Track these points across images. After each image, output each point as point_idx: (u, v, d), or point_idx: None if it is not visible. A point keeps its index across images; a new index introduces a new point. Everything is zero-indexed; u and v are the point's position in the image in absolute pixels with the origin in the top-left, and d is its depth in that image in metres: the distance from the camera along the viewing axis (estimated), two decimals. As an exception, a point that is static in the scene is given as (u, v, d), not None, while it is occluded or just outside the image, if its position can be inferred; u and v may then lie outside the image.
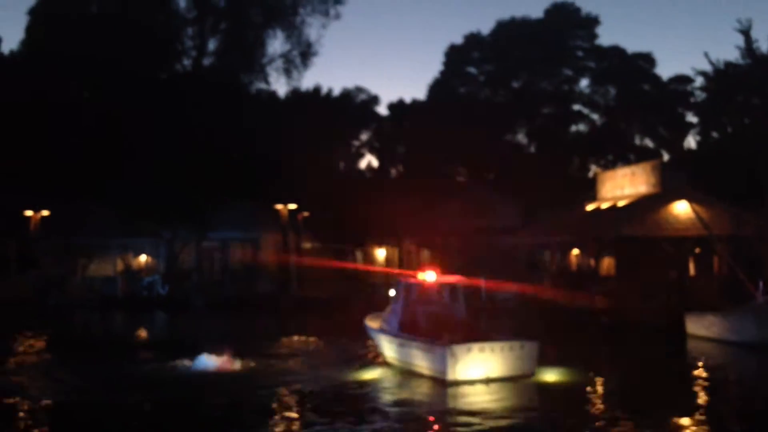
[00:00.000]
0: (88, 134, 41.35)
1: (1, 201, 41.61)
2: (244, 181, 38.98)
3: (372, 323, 20.50)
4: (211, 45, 48.86)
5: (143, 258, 44.56)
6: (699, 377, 18.46)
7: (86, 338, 27.79)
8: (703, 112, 57.12)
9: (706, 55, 64.13)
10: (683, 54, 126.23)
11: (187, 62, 49.23)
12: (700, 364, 20.13)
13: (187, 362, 18.86)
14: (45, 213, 43.01)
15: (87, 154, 40.85)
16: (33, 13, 48.79)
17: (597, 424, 13.37)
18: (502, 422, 13.32)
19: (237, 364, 18.92)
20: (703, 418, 13.76)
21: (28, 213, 42.78)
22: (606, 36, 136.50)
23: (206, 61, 49.17)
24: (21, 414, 14.30)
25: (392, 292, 20.60)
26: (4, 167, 41.67)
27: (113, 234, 43.52)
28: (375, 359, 19.63)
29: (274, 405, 14.99)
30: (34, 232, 43.07)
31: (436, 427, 13.33)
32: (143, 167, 37.53)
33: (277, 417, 13.92)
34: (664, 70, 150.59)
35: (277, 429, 13.06)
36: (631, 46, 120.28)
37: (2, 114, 42.53)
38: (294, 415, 14.06)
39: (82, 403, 15.19)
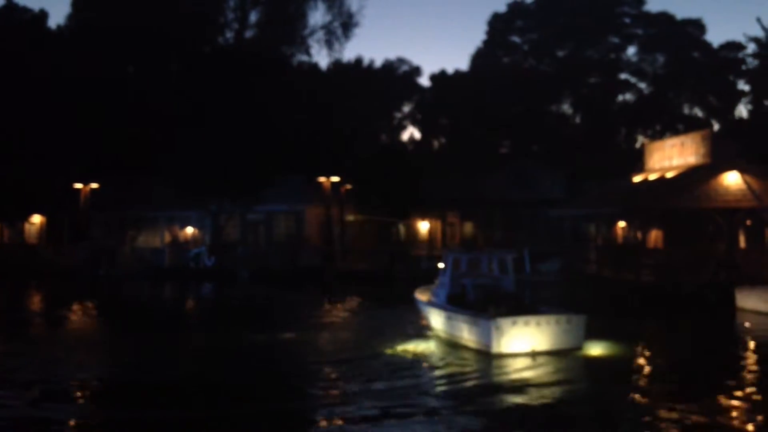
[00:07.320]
0: (135, 108, 41.98)
1: (53, 175, 42.68)
2: (288, 154, 39.15)
3: (421, 296, 20.66)
4: (253, 17, 48.98)
5: (190, 230, 45.34)
6: (748, 351, 18.18)
7: (135, 308, 28.47)
8: (755, 80, 55.60)
9: (758, 20, 61.74)
10: (734, 20, 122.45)
11: (229, 35, 49.48)
12: (750, 338, 19.81)
13: (235, 333, 19.21)
14: (94, 186, 43.98)
15: (134, 128, 41.51)
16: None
17: (644, 398, 13.29)
18: (547, 393, 13.34)
19: (284, 335, 19.22)
20: (751, 393, 13.56)
21: (78, 186, 43.78)
22: (654, 2, 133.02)
23: (248, 34, 49.35)
24: (73, 385, 14.76)
25: (441, 265, 20.65)
26: (55, 141, 42.64)
27: (160, 206, 44.41)
28: (422, 331, 19.73)
29: (321, 375, 15.22)
30: (84, 205, 44.13)
31: (480, 399, 13.37)
32: (191, 141, 37.95)
33: (323, 387, 14.13)
34: (715, 37, 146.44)
35: (323, 399, 13.26)
36: (680, 12, 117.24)
37: (51, 88, 43.38)
38: (340, 385, 14.25)
39: (132, 377, 15.58)
